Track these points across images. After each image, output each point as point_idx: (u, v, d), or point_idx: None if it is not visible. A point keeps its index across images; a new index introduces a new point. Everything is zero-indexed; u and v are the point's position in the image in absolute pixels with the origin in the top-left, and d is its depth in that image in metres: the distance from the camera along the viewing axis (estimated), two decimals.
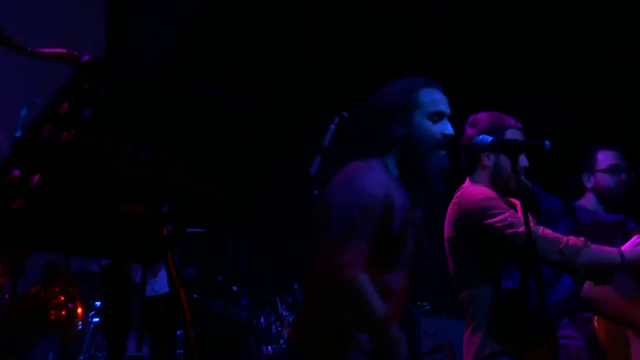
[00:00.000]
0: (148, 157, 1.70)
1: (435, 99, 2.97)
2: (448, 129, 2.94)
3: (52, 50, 2.18)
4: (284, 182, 7.46)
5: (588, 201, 4.22)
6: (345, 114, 4.19)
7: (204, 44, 7.05)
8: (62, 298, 2.44)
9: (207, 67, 6.83)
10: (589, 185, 4.25)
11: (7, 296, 2.48)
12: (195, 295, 5.46)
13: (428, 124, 2.92)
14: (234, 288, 6.00)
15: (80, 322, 2.61)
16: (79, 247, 1.83)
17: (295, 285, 6.05)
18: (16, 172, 1.55)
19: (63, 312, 2.45)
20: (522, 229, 3.09)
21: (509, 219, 3.22)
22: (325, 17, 7.04)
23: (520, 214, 3.29)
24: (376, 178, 2.87)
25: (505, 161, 3.32)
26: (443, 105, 2.97)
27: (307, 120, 6.60)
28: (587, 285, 3.94)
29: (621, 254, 3.24)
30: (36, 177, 1.58)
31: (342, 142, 3.97)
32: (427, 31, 6.83)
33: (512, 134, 3.39)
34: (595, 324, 4.06)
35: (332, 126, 4.19)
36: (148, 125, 1.67)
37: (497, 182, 3.39)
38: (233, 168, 1.82)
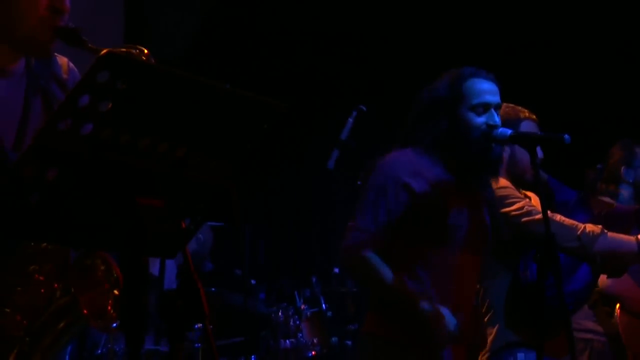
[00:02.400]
0: (166, 151, 1.69)
1: (480, 89, 2.92)
2: (493, 119, 2.90)
3: (121, 49, 2.20)
4: (301, 176, 7.45)
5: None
6: (363, 108, 4.19)
7: (220, 37, 7.05)
8: (107, 285, 2.17)
9: (224, 60, 6.83)
10: (630, 180, 4.24)
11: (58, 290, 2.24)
12: (212, 289, 5.48)
13: (471, 116, 2.90)
14: (252, 282, 6.00)
15: None
16: (96, 240, 1.84)
17: (314, 279, 6.05)
18: (34, 166, 1.55)
19: (109, 303, 2.19)
20: (538, 216, 3.08)
21: (525, 207, 3.21)
22: (342, 11, 7.02)
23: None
24: (398, 162, 2.92)
25: (521, 153, 3.30)
26: (489, 96, 2.92)
27: (324, 113, 6.59)
28: (610, 280, 3.92)
29: (638, 242, 3.21)
30: (54, 171, 1.58)
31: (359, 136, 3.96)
32: (442, 23, 6.80)
33: (527, 126, 3.37)
34: (618, 318, 4.03)
35: (350, 120, 4.19)
36: (166, 119, 1.67)
37: (513, 174, 3.38)
38: (251, 162, 1.82)
